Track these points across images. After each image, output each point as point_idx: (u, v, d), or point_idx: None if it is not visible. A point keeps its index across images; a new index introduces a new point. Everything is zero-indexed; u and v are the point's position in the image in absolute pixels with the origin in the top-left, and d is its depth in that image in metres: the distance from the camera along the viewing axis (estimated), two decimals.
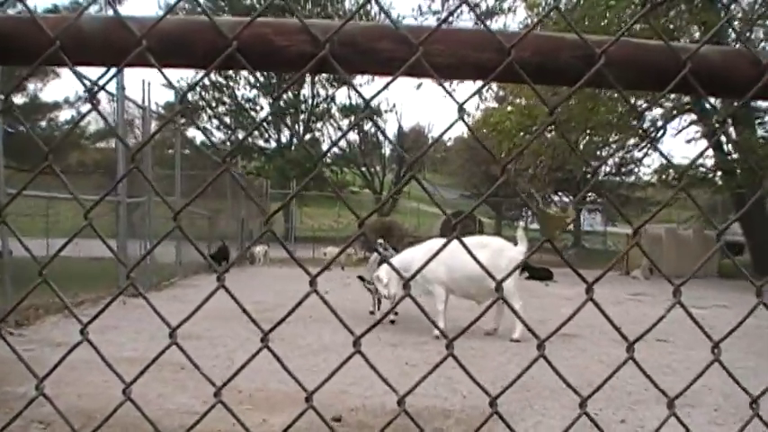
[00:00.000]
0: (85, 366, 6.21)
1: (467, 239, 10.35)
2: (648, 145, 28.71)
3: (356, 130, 49.37)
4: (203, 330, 9.08)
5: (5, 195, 9.58)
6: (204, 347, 8.32)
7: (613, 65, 1.24)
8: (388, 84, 1.28)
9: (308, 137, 49.55)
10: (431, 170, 54.81)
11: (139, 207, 15.46)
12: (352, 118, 47.28)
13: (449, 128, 1.30)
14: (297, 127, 49.56)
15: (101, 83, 1.31)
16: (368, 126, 48.47)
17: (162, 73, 1.24)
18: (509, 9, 22.95)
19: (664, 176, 27.75)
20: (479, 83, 1.31)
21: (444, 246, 1.38)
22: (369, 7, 45.06)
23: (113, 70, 1.28)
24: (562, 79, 1.29)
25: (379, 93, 1.36)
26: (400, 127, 49.08)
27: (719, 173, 24.50)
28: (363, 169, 50.89)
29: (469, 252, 1.44)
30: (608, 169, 42.87)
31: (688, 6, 20.67)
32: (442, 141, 59.90)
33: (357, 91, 1.37)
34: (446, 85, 1.45)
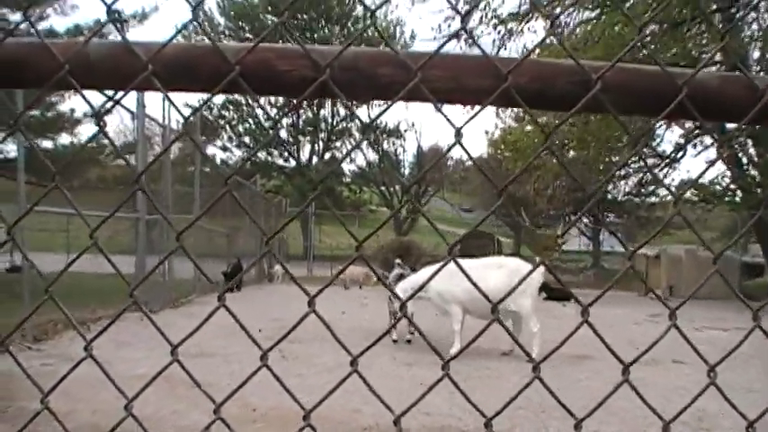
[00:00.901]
0: (100, 383, 6.24)
1: (484, 260, 10.35)
2: (667, 166, 28.52)
3: (375, 149, 49.53)
4: (218, 348, 9.11)
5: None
6: (218, 365, 8.34)
7: (610, 90, 1.25)
8: (386, 108, 1.31)
9: (327, 155, 49.72)
10: (450, 190, 54.79)
11: (158, 223, 15.54)
12: (372, 137, 47.42)
13: (446, 152, 1.32)
14: (316, 146, 49.73)
15: (107, 107, 1.34)
16: (387, 145, 48.66)
17: (167, 97, 1.27)
18: (527, 29, 22.90)
19: (684, 196, 27.56)
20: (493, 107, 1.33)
21: (442, 266, 1.39)
22: (389, 29, 45.45)
23: (120, 93, 1.30)
24: (559, 105, 1.30)
25: (378, 117, 1.38)
26: (419, 146, 49.12)
27: (738, 191, 24.32)
28: (383, 188, 50.93)
29: (465, 273, 1.44)
30: (627, 189, 42.64)
31: (708, 29, 20.59)
32: (462, 161, 59.95)
33: (356, 115, 1.39)
34: (465, 108, 1.47)
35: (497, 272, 9.38)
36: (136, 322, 11.80)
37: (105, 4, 1.24)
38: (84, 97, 1.30)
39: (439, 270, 1.41)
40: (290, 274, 1.52)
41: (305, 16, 45.38)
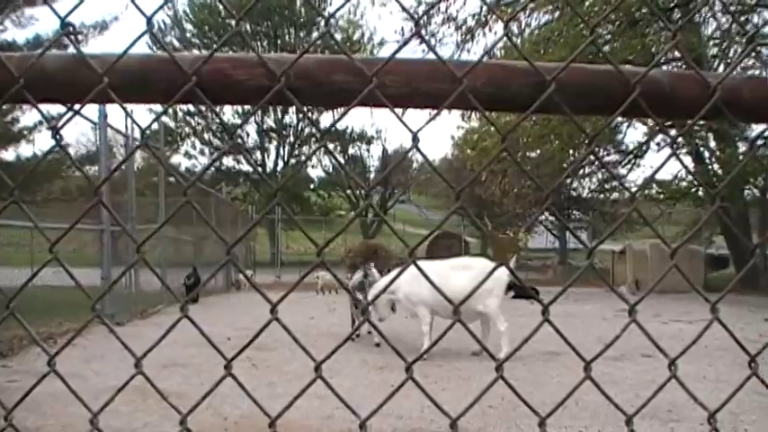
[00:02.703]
0: (70, 397, 6.17)
1: (451, 261, 10.37)
2: (630, 162, 28.82)
3: (342, 154, 49.58)
4: (189, 358, 9.06)
5: None
6: (190, 375, 8.29)
7: (565, 91, 1.27)
8: (342, 115, 1.32)
9: (293, 161, 49.65)
10: (416, 192, 54.93)
11: (124, 234, 15.42)
12: (337, 142, 47.48)
13: (403, 156, 1.33)
14: (281, 151, 49.63)
15: (63, 121, 1.33)
16: (353, 150, 48.68)
17: (124, 109, 1.27)
18: (488, 29, 23.00)
19: (647, 192, 27.88)
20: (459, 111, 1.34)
21: (403, 269, 1.40)
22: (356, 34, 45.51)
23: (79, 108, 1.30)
24: (514, 106, 1.32)
25: (334, 124, 1.42)
26: (384, 150, 49.21)
27: (701, 187, 24.63)
28: (348, 192, 50.92)
29: (426, 276, 1.45)
30: (592, 186, 42.96)
31: (666, 26, 20.83)
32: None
33: (311, 121, 1.40)
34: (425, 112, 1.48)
35: (464, 273, 9.39)
36: (105, 335, 11.69)
37: (59, 17, 1.24)
38: (40, 112, 1.30)
39: (400, 273, 1.43)
40: (251, 281, 1.52)
41: (268, 23, 45.28)
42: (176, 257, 19.36)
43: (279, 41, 45.75)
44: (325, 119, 50.13)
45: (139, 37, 1.28)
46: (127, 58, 1.26)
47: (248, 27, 45.41)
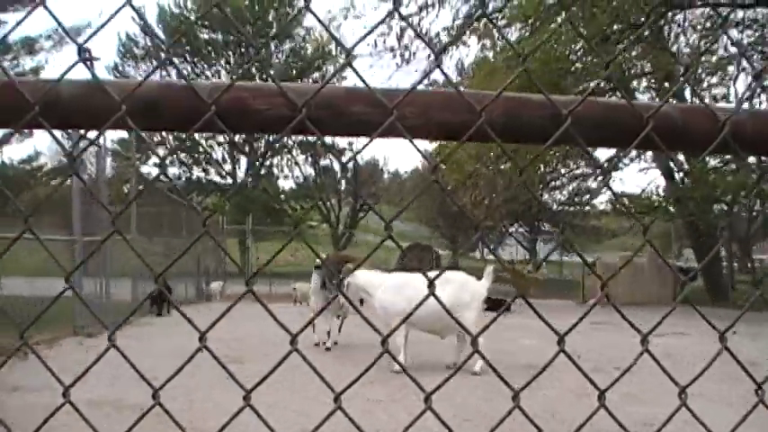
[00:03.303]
0: (43, 411, 6.12)
1: (430, 274, 10.33)
2: (601, 175, 29.06)
3: (312, 165, 49.55)
4: (165, 371, 8.98)
5: None
6: (166, 389, 8.22)
7: (580, 124, 1.29)
8: (364, 147, 1.33)
9: (263, 172, 49.50)
10: (386, 202, 54.92)
11: (95, 245, 15.29)
12: (309, 154, 47.46)
13: (422, 191, 1.33)
14: (254, 163, 49.44)
15: (79, 150, 1.33)
16: (324, 161, 48.58)
17: (143, 136, 1.27)
18: (462, 43, 23.11)
19: (617, 206, 28.20)
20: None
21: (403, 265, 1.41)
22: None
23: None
24: (530, 138, 1.34)
25: (356, 154, 1.39)
26: (356, 162, 49.13)
27: (672, 201, 24.92)
28: (319, 203, 50.78)
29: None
30: (562, 199, 43.30)
31: (638, 44, 21.07)
32: (398, 175, 60.20)
33: (333, 153, 1.41)
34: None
35: (445, 286, 9.36)
36: (77, 348, 11.61)
37: (76, 43, 1.23)
38: (55, 139, 1.30)
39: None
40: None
41: (240, 34, 45.12)
42: (145, 268, 19.19)
43: (250, 50, 45.61)
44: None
45: (157, 67, 1.28)
46: (145, 86, 1.26)
47: (219, 37, 45.35)
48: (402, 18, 1.45)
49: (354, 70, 1.33)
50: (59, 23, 1.29)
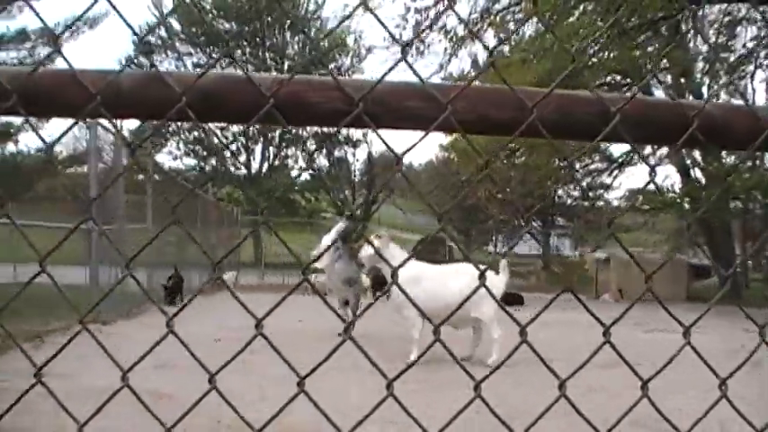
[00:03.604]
0: (63, 397, 6.16)
1: (447, 267, 10.27)
2: (616, 170, 29.04)
3: (327, 157, 49.55)
4: (179, 359, 9.02)
5: None
6: (180, 377, 8.25)
7: (626, 121, 1.31)
8: (419, 141, 1.36)
9: (277, 163, 49.55)
10: (400, 195, 54.86)
11: (112, 233, 15.34)
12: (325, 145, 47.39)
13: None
14: (267, 154, 49.49)
15: (139, 140, 1.36)
16: (338, 152, 48.57)
17: (202, 128, 1.31)
18: (476, 35, 23.05)
19: (633, 201, 28.11)
20: None
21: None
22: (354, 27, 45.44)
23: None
24: (579, 135, 1.36)
25: (410, 149, 1.42)
26: (370, 153, 49.12)
27: (687, 198, 24.81)
28: (332, 194, 50.76)
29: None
30: (576, 194, 43.18)
31: (655, 36, 20.99)
32: (411, 166, 60.20)
33: (388, 146, 1.43)
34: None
35: (461, 278, 9.31)
36: (95, 332, 11.66)
37: (136, 35, 1.27)
38: (115, 127, 1.34)
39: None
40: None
41: (257, 24, 45.12)
42: (160, 257, 19.24)
43: (267, 42, 45.64)
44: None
45: (217, 60, 1.31)
46: (204, 78, 1.29)
47: (233, 27, 45.29)
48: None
49: (411, 67, 1.35)
50: (43, 22, 1.33)
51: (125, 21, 1.32)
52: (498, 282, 10.02)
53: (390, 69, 1.29)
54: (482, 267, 1.41)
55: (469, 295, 1.62)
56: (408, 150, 1.37)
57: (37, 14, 1.41)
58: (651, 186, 24.96)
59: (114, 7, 1.30)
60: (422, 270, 9.76)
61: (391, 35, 1.51)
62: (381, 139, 1.36)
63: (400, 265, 1.43)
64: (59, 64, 1.34)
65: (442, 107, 1.28)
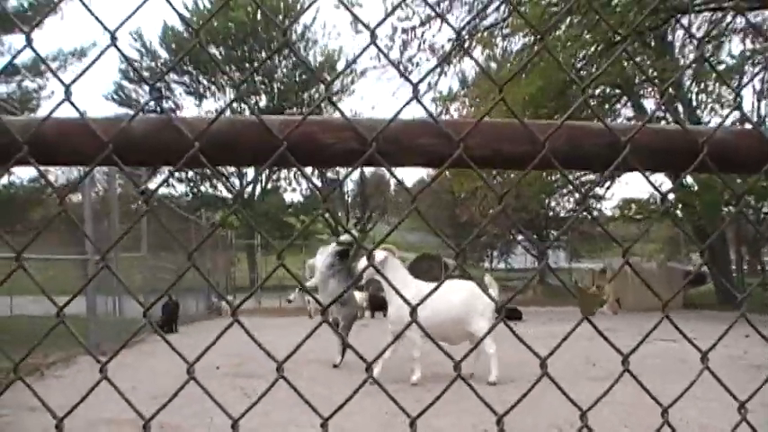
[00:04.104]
0: (69, 429, 6.13)
1: (445, 283, 10.20)
2: (609, 181, 29.10)
3: (320, 177, 49.60)
4: (177, 388, 8.98)
5: None
6: (182, 405, 8.19)
7: (637, 151, 1.32)
8: (434, 179, 1.36)
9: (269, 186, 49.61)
10: (394, 214, 54.95)
11: (107, 263, 15.31)
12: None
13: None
14: (260, 177, 49.49)
15: (151, 188, 1.37)
16: (330, 173, 48.58)
17: (215, 172, 1.31)
18: (465, 53, 23.09)
19: (626, 211, 28.20)
20: None
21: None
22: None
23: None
24: (590, 165, 1.38)
25: (429, 185, 1.42)
26: (362, 173, 49.16)
27: (680, 205, 24.89)
28: (327, 216, 50.76)
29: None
30: (569, 206, 43.26)
31: (643, 47, 21.11)
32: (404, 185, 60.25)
33: (403, 186, 1.44)
34: None
35: (458, 294, 9.37)
36: (92, 365, 11.60)
37: (147, 84, 1.28)
38: (128, 176, 1.33)
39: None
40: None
41: (244, 48, 45.24)
42: (156, 284, 19.23)
43: (254, 64, 45.74)
44: None
45: (228, 105, 1.31)
46: (216, 123, 1.29)
47: (221, 51, 45.35)
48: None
49: (422, 104, 1.36)
50: (43, 61, 1.34)
51: (135, 69, 1.33)
52: (489, 299, 10.07)
53: (402, 108, 1.30)
54: (478, 280, 1.42)
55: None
56: (422, 191, 1.37)
57: (44, 62, 1.41)
58: (643, 195, 25.16)
59: (125, 57, 1.31)
60: (423, 289, 9.72)
61: (403, 75, 1.52)
62: (395, 177, 1.37)
63: (418, 304, 1.43)
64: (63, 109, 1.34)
65: (455, 144, 1.29)
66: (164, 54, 45.28)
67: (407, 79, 1.23)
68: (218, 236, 29.21)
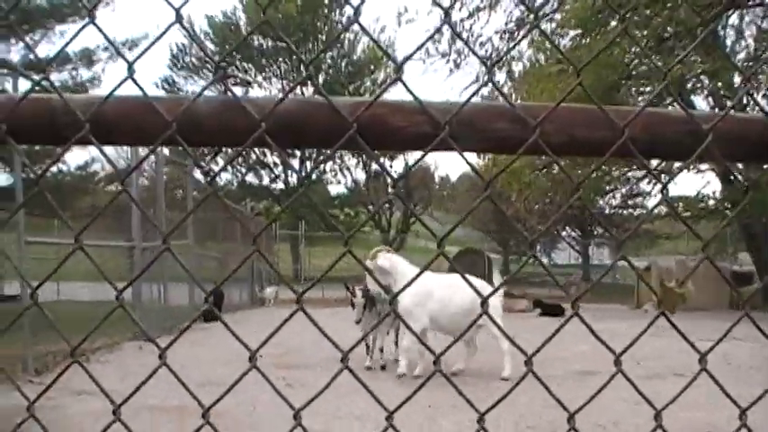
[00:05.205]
0: (108, 416, 6.18)
1: (448, 277, 10.01)
2: (655, 178, 28.70)
3: (364, 169, 49.66)
4: (224, 376, 9.01)
5: (24, 242, 9.76)
6: (231, 395, 8.25)
7: (718, 139, 1.27)
8: (510, 163, 1.32)
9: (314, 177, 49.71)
10: (438, 208, 54.94)
11: (154, 250, 15.45)
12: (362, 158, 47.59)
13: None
14: (305, 167, 49.66)
15: (218, 169, 1.34)
16: (374, 165, 48.61)
17: (282, 154, 1.28)
18: (515, 59, 22.86)
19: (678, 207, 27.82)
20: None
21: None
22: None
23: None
24: (670, 154, 1.32)
25: (502, 172, 1.38)
26: (407, 164, 49.11)
27: (728, 204, 24.49)
28: (371, 207, 50.81)
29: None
30: (615, 202, 42.86)
31: (694, 45, 20.73)
32: (448, 179, 60.19)
33: (475, 170, 1.40)
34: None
35: (464, 290, 9.24)
36: (136, 352, 11.73)
37: (213, 61, 1.25)
38: (191, 156, 1.31)
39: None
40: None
41: (292, 39, 45.32)
42: (201, 273, 19.37)
43: (304, 56, 45.84)
44: None
45: (293, 89, 1.28)
46: (284, 104, 1.26)
47: (269, 44, 45.55)
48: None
49: (497, 88, 1.32)
50: (109, 40, 1.31)
51: (200, 46, 1.30)
52: (495, 294, 9.96)
53: (477, 91, 1.26)
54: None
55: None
56: (496, 177, 1.33)
57: (106, 37, 1.39)
58: (692, 193, 24.80)
59: (202, 48, 1.28)
60: (432, 282, 9.65)
61: (477, 55, 1.48)
62: (468, 162, 1.33)
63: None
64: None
65: (531, 129, 1.24)
66: (210, 45, 45.57)
67: (484, 62, 1.19)
68: (261, 226, 29.32)
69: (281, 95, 1.27)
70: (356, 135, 1.24)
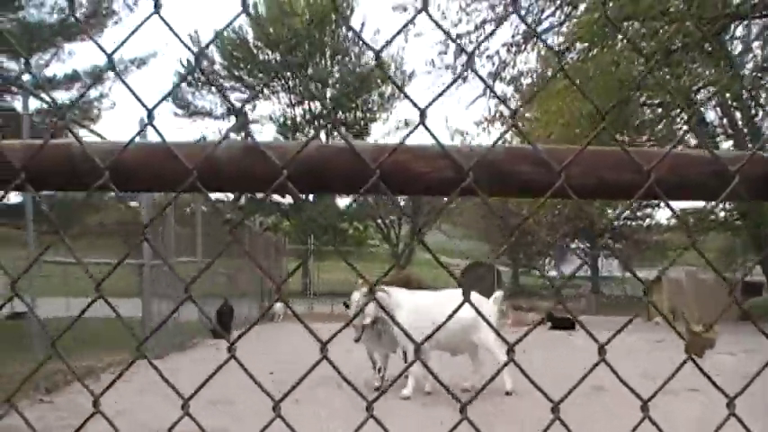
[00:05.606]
0: None
1: (445, 293, 10.10)
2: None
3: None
4: (235, 395, 9.00)
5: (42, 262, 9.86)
6: (237, 413, 8.24)
7: (744, 181, 1.26)
8: (538, 206, 1.31)
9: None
10: (446, 221, 54.82)
11: (162, 267, 15.47)
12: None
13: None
14: None
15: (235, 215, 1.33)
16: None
17: (299, 199, 1.27)
18: (523, 74, 22.80)
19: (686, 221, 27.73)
20: None
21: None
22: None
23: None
24: (697, 195, 1.31)
25: (532, 214, 1.37)
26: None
27: (738, 215, 24.43)
28: (379, 221, 50.77)
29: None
30: (625, 214, 42.77)
31: (702, 57, 20.70)
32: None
33: (493, 212, 1.39)
34: None
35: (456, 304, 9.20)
36: (146, 367, 11.69)
37: (233, 106, 1.24)
38: (212, 203, 1.31)
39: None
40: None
41: (298, 53, 45.41)
42: (210, 289, 19.35)
43: (310, 70, 45.91)
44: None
45: (311, 139, 1.28)
46: (305, 149, 1.25)
47: (277, 57, 45.62)
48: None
49: (519, 129, 1.31)
50: (122, 81, 1.31)
51: (226, 98, 1.29)
52: (490, 309, 10.03)
53: (503, 135, 1.25)
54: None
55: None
56: (518, 227, 1.32)
57: (127, 86, 1.38)
58: (699, 204, 24.76)
59: (211, 83, 1.28)
60: (428, 300, 9.74)
61: (498, 97, 1.47)
62: (489, 207, 1.32)
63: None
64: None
65: (556, 174, 1.23)
66: (218, 59, 45.65)
67: (504, 103, 1.18)
68: (271, 241, 29.34)
69: (302, 140, 1.26)
70: (379, 182, 1.23)
